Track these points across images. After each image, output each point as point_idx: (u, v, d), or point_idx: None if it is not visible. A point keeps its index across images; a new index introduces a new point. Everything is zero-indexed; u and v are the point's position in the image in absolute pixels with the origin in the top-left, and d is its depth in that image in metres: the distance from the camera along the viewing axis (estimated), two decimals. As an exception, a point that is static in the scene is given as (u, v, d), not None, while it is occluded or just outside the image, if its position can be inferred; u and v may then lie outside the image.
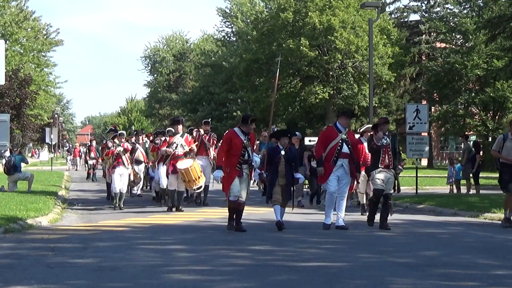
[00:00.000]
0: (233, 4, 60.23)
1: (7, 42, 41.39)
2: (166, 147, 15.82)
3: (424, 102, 40.89)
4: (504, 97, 43.25)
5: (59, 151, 76.67)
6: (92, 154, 30.06)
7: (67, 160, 46.04)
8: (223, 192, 12.14)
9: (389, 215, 12.70)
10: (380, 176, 12.32)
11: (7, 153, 21.76)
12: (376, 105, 40.02)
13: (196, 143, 16.87)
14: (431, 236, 11.25)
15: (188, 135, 16.40)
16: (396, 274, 7.80)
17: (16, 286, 6.94)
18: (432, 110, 44.86)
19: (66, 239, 10.79)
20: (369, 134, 14.39)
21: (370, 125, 15.20)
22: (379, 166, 12.31)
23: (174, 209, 15.67)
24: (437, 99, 47.36)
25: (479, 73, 43.54)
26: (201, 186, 16.06)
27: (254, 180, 16.54)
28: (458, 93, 45.22)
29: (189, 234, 11.48)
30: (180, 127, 15.94)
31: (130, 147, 17.46)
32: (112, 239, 10.64)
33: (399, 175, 13.10)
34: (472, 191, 21.62)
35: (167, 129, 17.17)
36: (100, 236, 11.11)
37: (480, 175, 22.72)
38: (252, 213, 15.00)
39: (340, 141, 12.11)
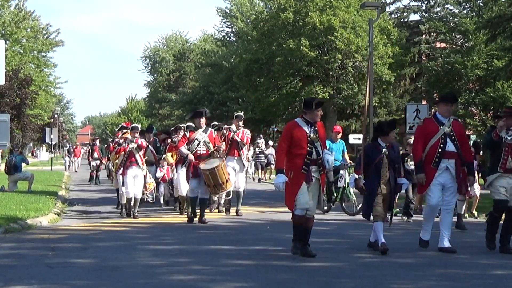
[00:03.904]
0: (233, 4, 60.20)
1: (7, 42, 41.37)
2: (186, 144, 13.20)
3: (424, 102, 40.87)
4: (504, 97, 43.14)
5: (60, 151, 76.52)
6: (96, 155, 28.16)
7: (65, 161, 43.72)
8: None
9: None
10: (501, 182, 9.49)
11: None
12: (376, 105, 39.95)
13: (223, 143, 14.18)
14: (431, 236, 11.22)
15: (213, 130, 13.73)
16: (396, 274, 7.80)
17: (16, 286, 6.94)
18: (432, 110, 44.79)
19: (66, 239, 10.79)
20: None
21: None
22: (498, 170, 9.49)
23: (196, 219, 13.07)
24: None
25: (479, 73, 43.47)
26: (229, 192, 13.86)
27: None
28: (458, 93, 44.96)
29: (189, 234, 11.48)
30: (203, 120, 13.26)
31: (145, 143, 14.58)
32: (112, 239, 10.64)
33: None
34: (472, 191, 21.58)
35: (187, 124, 14.49)
36: (100, 236, 11.11)
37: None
38: (252, 213, 15.00)
39: (443, 136, 9.35)
